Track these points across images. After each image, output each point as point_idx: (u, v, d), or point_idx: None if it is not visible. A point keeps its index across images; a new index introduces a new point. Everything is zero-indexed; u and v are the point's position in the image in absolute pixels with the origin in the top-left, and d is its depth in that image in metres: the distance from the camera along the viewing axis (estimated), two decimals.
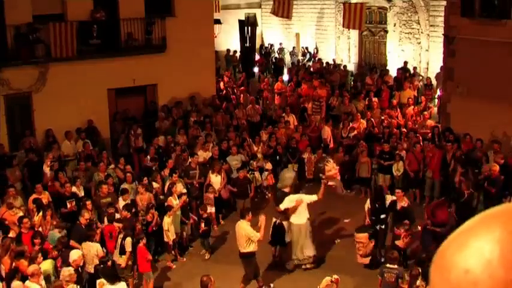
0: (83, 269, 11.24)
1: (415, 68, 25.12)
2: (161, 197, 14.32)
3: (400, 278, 10.65)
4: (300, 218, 12.79)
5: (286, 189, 13.24)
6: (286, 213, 12.90)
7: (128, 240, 11.77)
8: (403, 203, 12.91)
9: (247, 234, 11.44)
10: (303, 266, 12.99)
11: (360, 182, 17.13)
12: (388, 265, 10.84)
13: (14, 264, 10.64)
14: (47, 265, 10.79)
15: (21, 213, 12.71)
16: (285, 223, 13.03)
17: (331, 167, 13.19)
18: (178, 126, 18.73)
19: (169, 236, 13.23)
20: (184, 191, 14.40)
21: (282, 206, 12.80)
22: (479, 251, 0.98)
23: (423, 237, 12.91)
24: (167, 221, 13.15)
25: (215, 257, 13.75)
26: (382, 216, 12.95)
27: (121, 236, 11.94)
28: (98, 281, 10.59)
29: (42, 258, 10.73)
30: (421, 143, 16.98)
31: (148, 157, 16.14)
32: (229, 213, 16.03)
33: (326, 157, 14.63)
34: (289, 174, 13.80)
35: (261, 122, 20.49)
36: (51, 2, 18.96)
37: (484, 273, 0.96)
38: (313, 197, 12.91)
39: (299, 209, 12.74)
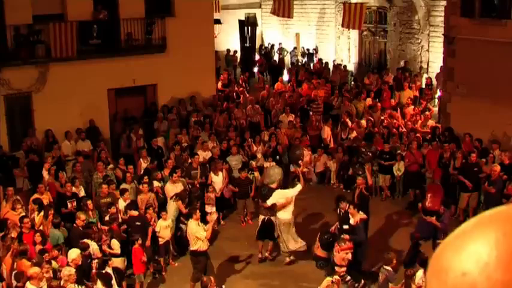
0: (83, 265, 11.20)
1: (420, 68, 25.12)
2: (161, 196, 14.33)
3: (390, 281, 10.64)
4: (288, 213, 13.08)
5: (273, 185, 13.52)
6: (273, 209, 13.08)
7: (114, 241, 11.76)
8: (351, 220, 12.19)
9: (193, 233, 11.78)
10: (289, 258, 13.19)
11: None
12: (385, 266, 10.85)
13: (15, 263, 10.65)
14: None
15: (23, 213, 12.72)
16: (272, 219, 13.24)
17: (306, 154, 13.25)
18: (175, 125, 18.72)
19: (161, 238, 13.13)
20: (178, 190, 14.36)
21: (269, 202, 13.00)
22: (476, 253, 0.98)
23: (419, 227, 12.78)
24: (160, 224, 13.06)
25: (215, 257, 13.72)
26: (345, 226, 12.32)
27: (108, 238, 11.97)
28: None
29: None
30: (421, 143, 16.99)
31: (141, 159, 16.13)
32: (230, 214, 16.05)
33: (299, 146, 15.16)
34: (276, 170, 14.08)
35: (265, 123, 20.47)
36: (51, 2, 18.96)
37: (481, 276, 0.96)
38: (298, 187, 13.21)
39: (287, 204, 13.01)
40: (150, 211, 13.19)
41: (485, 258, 0.97)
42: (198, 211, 12.22)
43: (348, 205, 12.45)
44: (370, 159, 15.09)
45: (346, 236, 12.09)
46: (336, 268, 11.99)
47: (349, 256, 11.76)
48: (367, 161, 14.72)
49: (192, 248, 11.94)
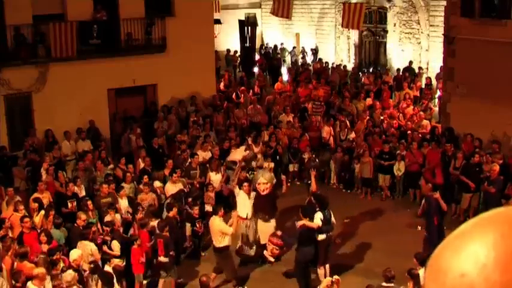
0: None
1: (420, 68, 25.13)
2: (162, 196, 14.34)
3: None
4: (242, 211, 13.14)
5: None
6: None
7: (115, 243, 11.75)
8: (296, 223, 12.22)
9: (221, 229, 11.84)
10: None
11: (362, 182, 17.12)
12: (384, 284, 10.36)
13: (15, 264, 10.64)
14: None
15: (26, 214, 12.71)
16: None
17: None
18: (161, 134, 18.65)
19: None
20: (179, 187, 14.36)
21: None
22: (475, 254, 1.00)
23: (428, 208, 12.58)
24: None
25: (214, 256, 13.72)
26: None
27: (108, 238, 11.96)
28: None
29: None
30: (421, 142, 16.99)
31: (140, 160, 16.10)
32: (229, 212, 16.00)
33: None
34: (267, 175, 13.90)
35: (269, 122, 20.44)
36: (51, 2, 18.98)
37: (479, 277, 0.98)
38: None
39: (241, 201, 13.17)
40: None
41: (483, 260, 0.98)
42: (222, 208, 12.32)
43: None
44: (316, 166, 14.47)
45: (278, 232, 12.39)
46: (265, 253, 12.34)
47: (276, 252, 12.12)
48: (314, 167, 14.15)
49: (219, 244, 11.96)
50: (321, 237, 11.98)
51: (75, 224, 12.34)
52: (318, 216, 11.82)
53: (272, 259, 12.49)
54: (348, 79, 26.43)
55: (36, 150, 16.84)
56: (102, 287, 10.71)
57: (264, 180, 13.28)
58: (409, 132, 18.70)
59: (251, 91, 23.14)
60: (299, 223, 11.91)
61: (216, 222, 11.96)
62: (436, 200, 12.29)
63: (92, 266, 10.91)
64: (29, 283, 9.79)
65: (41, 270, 9.87)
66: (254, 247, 13.24)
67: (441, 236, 11.71)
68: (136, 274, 11.98)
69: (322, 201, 12.21)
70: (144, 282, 12.18)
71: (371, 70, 26.41)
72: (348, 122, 19.21)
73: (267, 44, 33.03)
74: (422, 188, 12.87)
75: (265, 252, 12.53)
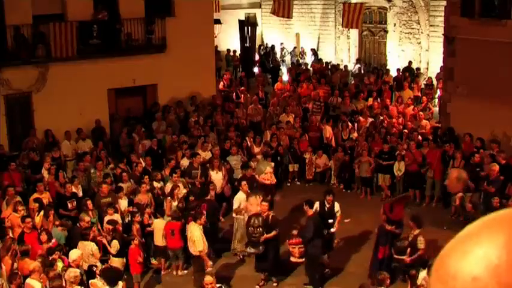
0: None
1: (418, 69, 25.10)
2: (161, 197, 14.31)
3: None
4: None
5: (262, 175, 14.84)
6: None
7: (115, 242, 11.72)
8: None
9: (194, 239, 11.71)
10: (240, 255, 13.54)
11: (361, 182, 17.10)
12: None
13: (15, 264, 10.64)
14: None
15: (24, 213, 12.71)
16: None
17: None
18: (170, 132, 18.59)
19: (157, 240, 13.01)
20: (185, 191, 14.41)
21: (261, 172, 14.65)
22: (485, 257, 0.97)
23: (378, 237, 12.56)
24: (156, 223, 12.97)
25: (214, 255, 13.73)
26: (330, 220, 12.72)
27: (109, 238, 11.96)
28: (90, 281, 10.59)
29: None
30: (421, 142, 16.99)
31: (136, 160, 16.05)
32: (229, 211, 16.02)
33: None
34: (265, 163, 15.37)
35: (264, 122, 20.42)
36: (51, 2, 18.98)
37: (492, 279, 0.96)
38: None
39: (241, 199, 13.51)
40: (149, 210, 13.20)
41: (496, 261, 0.96)
42: (203, 216, 12.14)
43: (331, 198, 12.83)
44: (263, 240, 12.48)
45: (295, 232, 12.33)
46: (292, 259, 12.31)
47: (301, 250, 12.04)
48: (259, 241, 12.60)
49: (194, 253, 11.87)
50: (333, 229, 12.69)
51: (77, 225, 12.34)
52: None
53: (301, 259, 12.34)
54: (350, 79, 26.43)
55: (35, 150, 16.82)
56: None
57: (270, 170, 14.86)
58: (404, 131, 18.67)
59: (256, 96, 23.02)
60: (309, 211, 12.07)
61: (192, 230, 11.78)
62: (388, 230, 12.24)
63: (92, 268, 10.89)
64: (28, 279, 9.79)
65: (35, 263, 9.93)
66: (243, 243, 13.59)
67: (390, 261, 11.98)
68: (134, 274, 11.95)
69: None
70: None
71: (375, 70, 26.31)
72: (349, 122, 19.18)
73: (266, 44, 32.98)
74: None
75: (292, 258, 12.41)
